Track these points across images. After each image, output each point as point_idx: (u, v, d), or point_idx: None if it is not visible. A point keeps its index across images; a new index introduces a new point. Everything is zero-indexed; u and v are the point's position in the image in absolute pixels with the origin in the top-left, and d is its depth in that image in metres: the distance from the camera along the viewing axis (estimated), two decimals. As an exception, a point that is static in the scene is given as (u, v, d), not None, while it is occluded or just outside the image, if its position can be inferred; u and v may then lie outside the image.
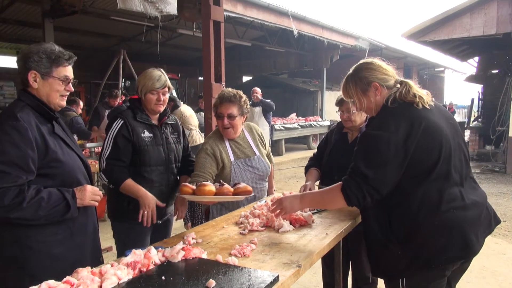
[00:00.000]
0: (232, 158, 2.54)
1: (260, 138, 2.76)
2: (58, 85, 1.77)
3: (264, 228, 2.02)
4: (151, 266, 1.48)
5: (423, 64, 21.27)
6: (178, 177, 2.60)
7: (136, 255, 1.49)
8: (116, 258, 1.74)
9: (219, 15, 5.00)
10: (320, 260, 2.79)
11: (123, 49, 9.67)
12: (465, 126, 12.42)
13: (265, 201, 2.34)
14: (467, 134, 12.50)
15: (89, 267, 1.38)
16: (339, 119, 2.72)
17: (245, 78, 20.16)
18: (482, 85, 12.13)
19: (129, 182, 2.28)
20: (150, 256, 1.51)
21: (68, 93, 1.82)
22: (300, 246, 1.78)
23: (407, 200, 1.67)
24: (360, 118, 2.55)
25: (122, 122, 2.35)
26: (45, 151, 1.69)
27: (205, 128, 5.16)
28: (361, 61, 1.87)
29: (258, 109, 9.69)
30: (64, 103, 1.84)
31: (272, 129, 10.81)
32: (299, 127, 12.80)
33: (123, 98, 7.02)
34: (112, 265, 1.42)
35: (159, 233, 2.52)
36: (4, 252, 1.69)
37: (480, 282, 3.59)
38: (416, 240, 1.66)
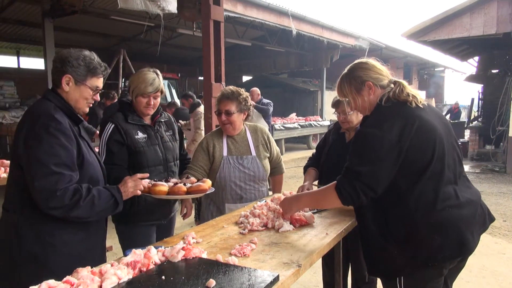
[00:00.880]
0: (225, 154, 2.59)
1: (265, 141, 2.75)
2: (87, 93, 1.83)
3: (264, 228, 2.02)
4: (151, 266, 1.48)
5: (423, 63, 21.22)
6: (178, 175, 2.59)
7: (136, 254, 1.49)
8: (116, 258, 1.74)
9: (219, 14, 5.01)
10: (320, 259, 2.80)
11: (123, 48, 9.68)
12: (465, 126, 12.42)
13: (265, 201, 2.34)
14: (467, 134, 12.50)
15: (89, 267, 1.38)
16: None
17: (245, 78, 20.15)
18: (482, 85, 12.15)
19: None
20: (150, 256, 1.51)
21: (93, 102, 1.89)
22: (300, 245, 1.78)
23: (404, 200, 1.67)
24: (356, 118, 2.55)
25: (113, 126, 2.31)
26: (78, 152, 1.75)
27: (204, 127, 5.16)
28: (356, 61, 1.89)
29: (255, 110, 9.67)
30: (87, 110, 1.91)
31: (272, 129, 10.80)
32: (299, 127, 12.82)
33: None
34: (112, 265, 1.42)
35: (164, 233, 2.51)
36: (25, 248, 1.71)
37: (480, 282, 3.59)
38: (414, 240, 1.66)
